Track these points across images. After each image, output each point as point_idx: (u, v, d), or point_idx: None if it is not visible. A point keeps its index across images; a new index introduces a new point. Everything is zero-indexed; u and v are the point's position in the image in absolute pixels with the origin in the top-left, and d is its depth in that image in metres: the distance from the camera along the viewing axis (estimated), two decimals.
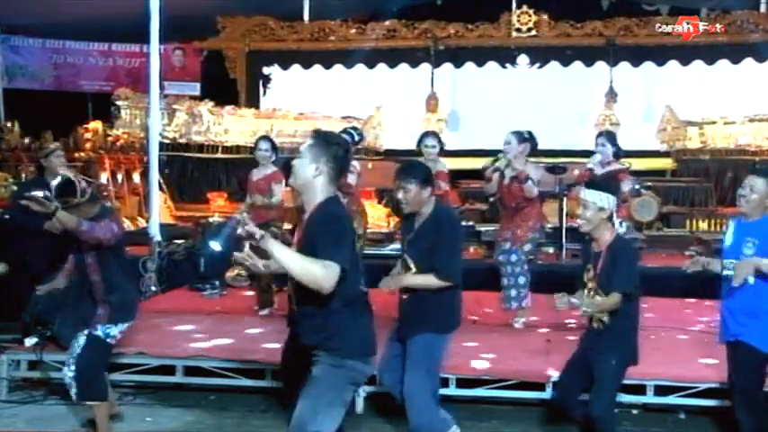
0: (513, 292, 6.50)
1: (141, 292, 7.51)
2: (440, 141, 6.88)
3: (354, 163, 6.72)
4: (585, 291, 4.17)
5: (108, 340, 4.58)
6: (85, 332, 4.54)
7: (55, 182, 5.98)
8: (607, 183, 4.48)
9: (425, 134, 7.07)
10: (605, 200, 4.06)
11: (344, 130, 6.70)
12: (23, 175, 10.47)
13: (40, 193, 4.55)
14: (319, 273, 3.05)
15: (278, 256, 3.09)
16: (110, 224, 4.49)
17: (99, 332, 4.53)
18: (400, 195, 4.05)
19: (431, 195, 4.09)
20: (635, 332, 4.21)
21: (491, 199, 7.00)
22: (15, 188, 7.37)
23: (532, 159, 6.74)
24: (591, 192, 4.09)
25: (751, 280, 3.95)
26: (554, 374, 5.05)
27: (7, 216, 6.87)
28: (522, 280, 6.49)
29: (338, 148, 3.33)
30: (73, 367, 4.52)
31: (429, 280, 3.99)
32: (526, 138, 6.47)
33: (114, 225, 4.54)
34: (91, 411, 4.69)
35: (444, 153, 7.05)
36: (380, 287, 4.08)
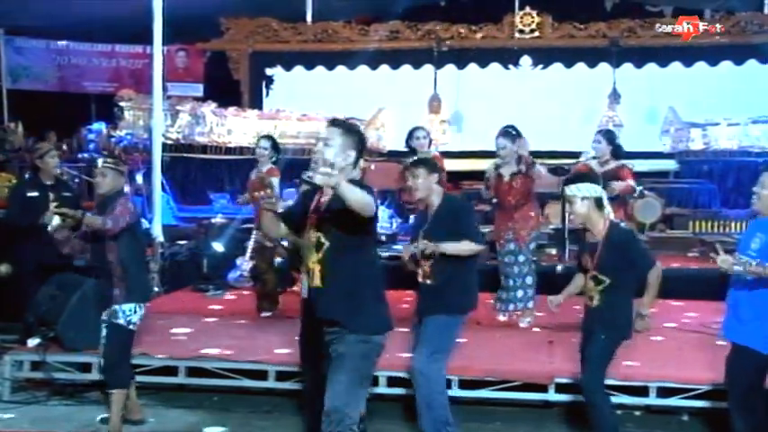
0: (521, 293, 6.51)
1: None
2: (429, 134, 7.15)
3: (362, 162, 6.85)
4: (587, 277, 4.31)
5: (130, 327, 4.69)
6: (106, 321, 4.66)
7: (50, 182, 6.06)
8: (583, 174, 4.56)
9: (415, 128, 7.26)
10: (585, 189, 4.21)
11: None
12: (26, 176, 10.48)
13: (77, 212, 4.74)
14: (367, 197, 3.20)
15: (332, 183, 3.07)
16: (125, 205, 4.63)
17: (121, 320, 4.63)
18: (410, 182, 4.43)
19: (438, 184, 4.43)
20: (629, 316, 4.27)
21: (494, 200, 7.00)
22: (12, 187, 7.37)
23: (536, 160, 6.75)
24: (571, 186, 4.26)
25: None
26: (557, 376, 5.06)
27: (1, 216, 6.87)
28: (529, 279, 6.53)
29: (358, 134, 3.55)
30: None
31: (466, 245, 4.25)
32: (515, 135, 6.51)
33: (129, 204, 4.70)
34: (108, 409, 4.80)
35: (448, 154, 7.11)
36: (405, 251, 4.43)
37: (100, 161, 4.77)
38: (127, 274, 4.64)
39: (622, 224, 4.31)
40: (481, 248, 4.39)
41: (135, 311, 4.67)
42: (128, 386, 4.80)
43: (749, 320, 4.01)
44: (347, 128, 3.49)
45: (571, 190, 4.24)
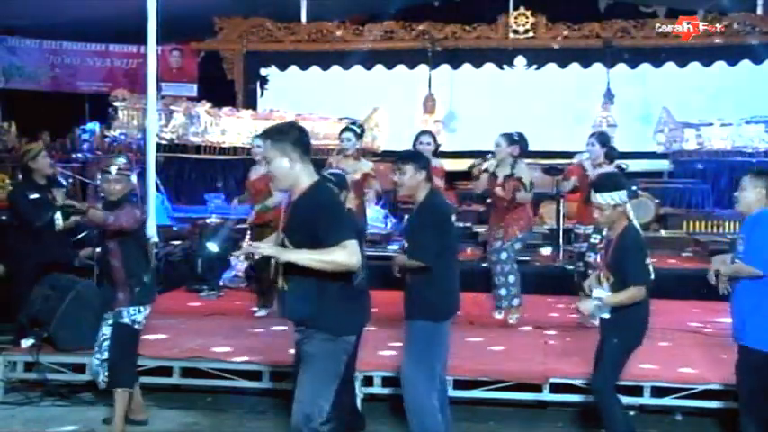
0: (503, 291, 6.54)
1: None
2: (435, 140, 6.85)
3: (370, 164, 6.79)
4: (596, 274, 4.33)
5: (135, 326, 4.67)
6: (110, 321, 4.63)
7: (43, 182, 6.06)
8: (614, 178, 4.52)
9: (422, 132, 7.07)
10: (617, 196, 4.17)
11: (347, 127, 6.78)
12: (21, 179, 10.45)
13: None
14: (342, 257, 3.18)
15: (299, 262, 3.21)
16: (132, 210, 4.60)
17: (126, 320, 4.62)
18: (396, 178, 4.20)
19: (426, 182, 4.19)
20: (642, 321, 4.23)
21: (488, 200, 7.00)
22: (11, 188, 7.35)
23: (528, 160, 6.77)
24: (601, 194, 4.19)
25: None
26: (552, 376, 5.07)
27: (5, 217, 6.87)
28: (511, 279, 6.53)
29: (290, 130, 3.42)
30: (98, 355, 4.65)
31: (411, 261, 4.13)
32: (516, 140, 6.56)
33: (136, 210, 4.67)
34: (104, 408, 4.83)
35: (441, 154, 7.07)
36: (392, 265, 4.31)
37: (113, 168, 4.63)
38: (130, 278, 4.62)
39: (638, 231, 4.27)
40: (420, 265, 4.09)
41: (139, 311, 4.66)
42: (131, 386, 4.78)
43: (748, 320, 4.06)
44: (273, 134, 3.38)
45: (604, 198, 4.16)
